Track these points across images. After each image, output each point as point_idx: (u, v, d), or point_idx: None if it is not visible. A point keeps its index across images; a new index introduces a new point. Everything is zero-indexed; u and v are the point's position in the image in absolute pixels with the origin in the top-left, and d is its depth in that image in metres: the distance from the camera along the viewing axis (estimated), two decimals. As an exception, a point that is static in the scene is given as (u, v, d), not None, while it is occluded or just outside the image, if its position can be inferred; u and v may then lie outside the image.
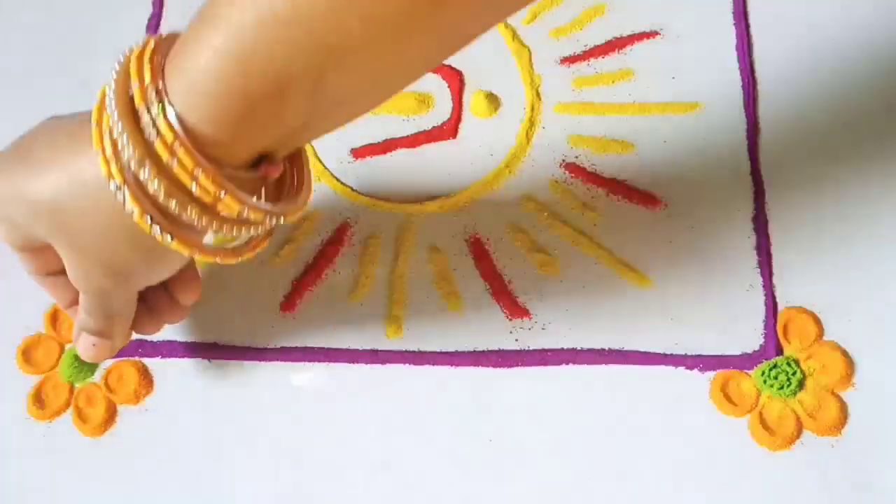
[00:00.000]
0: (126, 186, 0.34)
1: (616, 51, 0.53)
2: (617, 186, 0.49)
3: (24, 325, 0.47)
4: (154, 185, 0.34)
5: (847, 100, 0.51)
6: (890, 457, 0.43)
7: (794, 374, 0.44)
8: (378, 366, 0.46)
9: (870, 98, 0.51)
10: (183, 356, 0.46)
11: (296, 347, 0.46)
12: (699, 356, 0.45)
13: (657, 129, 0.51)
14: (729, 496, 0.42)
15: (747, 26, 0.53)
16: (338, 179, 0.50)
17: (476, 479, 0.43)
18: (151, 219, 0.35)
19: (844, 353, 0.45)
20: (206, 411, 0.45)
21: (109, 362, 0.46)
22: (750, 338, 0.45)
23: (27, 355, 0.46)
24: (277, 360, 0.46)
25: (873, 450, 0.43)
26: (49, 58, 0.54)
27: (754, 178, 0.49)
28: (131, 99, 0.34)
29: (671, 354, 0.45)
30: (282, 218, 0.37)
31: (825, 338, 0.45)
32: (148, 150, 0.34)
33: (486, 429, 0.44)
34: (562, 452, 0.43)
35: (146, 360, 0.46)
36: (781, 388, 0.44)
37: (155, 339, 0.46)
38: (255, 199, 0.36)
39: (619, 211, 0.49)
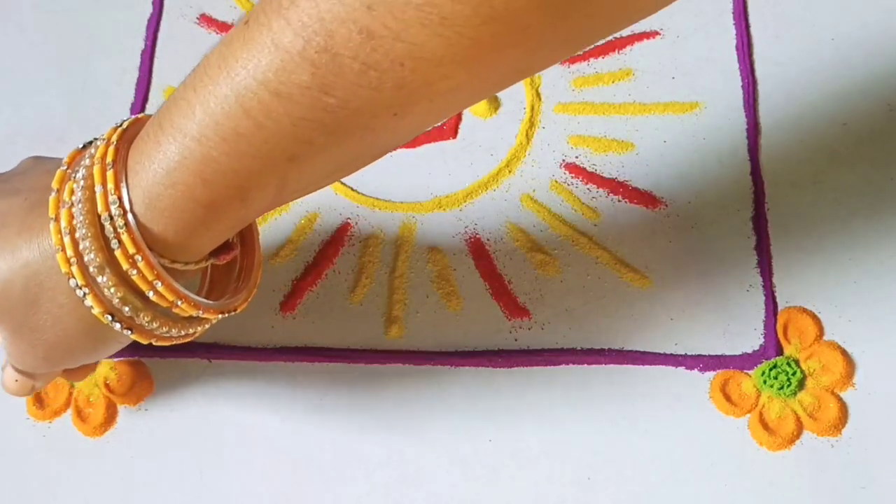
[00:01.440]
0: (87, 287, 0.35)
1: (616, 51, 0.53)
2: (617, 186, 0.49)
3: (24, 325, 0.47)
4: (110, 292, 0.35)
5: (847, 100, 0.51)
6: (890, 457, 0.43)
7: (794, 374, 0.44)
8: (378, 366, 0.46)
9: (870, 98, 0.51)
10: (183, 356, 0.46)
11: (296, 347, 0.46)
12: (699, 356, 0.45)
13: (657, 129, 0.51)
14: (729, 496, 0.42)
15: (747, 26, 0.53)
16: (338, 179, 0.50)
17: (476, 479, 0.43)
18: (112, 317, 0.35)
19: (844, 353, 0.45)
20: (206, 411, 0.45)
21: (110, 362, 0.46)
22: (750, 338, 0.45)
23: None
24: (277, 360, 0.46)
25: (873, 450, 0.43)
26: (49, 58, 0.54)
27: (754, 178, 0.49)
28: (94, 204, 0.34)
29: (671, 354, 0.45)
30: (235, 311, 0.38)
31: (825, 338, 0.45)
32: (109, 258, 0.34)
33: (486, 429, 0.44)
34: (562, 452, 0.43)
35: (146, 360, 0.46)
36: (781, 388, 0.44)
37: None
38: (207, 301, 0.37)
39: (619, 211, 0.49)
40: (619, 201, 0.49)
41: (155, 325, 0.36)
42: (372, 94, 0.31)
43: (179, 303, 0.35)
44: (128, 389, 0.45)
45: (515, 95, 0.52)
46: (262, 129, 0.32)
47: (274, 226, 0.49)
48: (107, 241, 0.34)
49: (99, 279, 0.34)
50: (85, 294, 0.35)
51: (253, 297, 0.40)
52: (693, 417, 0.44)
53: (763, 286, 0.46)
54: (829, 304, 0.46)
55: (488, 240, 0.48)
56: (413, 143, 0.51)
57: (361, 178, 0.50)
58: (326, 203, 0.49)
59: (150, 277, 0.34)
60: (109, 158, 0.34)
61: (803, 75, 0.51)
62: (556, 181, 0.50)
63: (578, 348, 0.45)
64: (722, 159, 0.50)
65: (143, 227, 0.34)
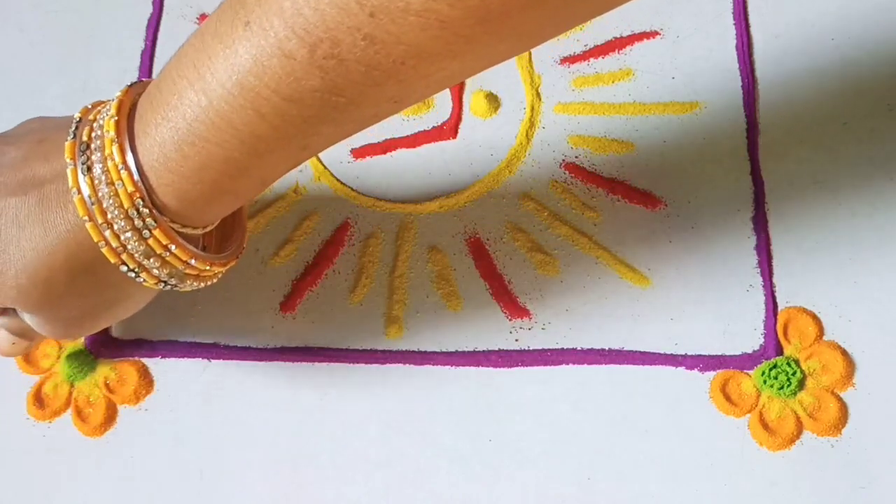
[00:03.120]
0: (139, 268, 0.37)
1: (616, 51, 0.53)
2: (617, 186, 0.49)
3: (24, 325, 0.47)
4: (157, 272, 0.38)
5: (847, 100, 0.51)
6: (890, 457, 0.43)
7: (794, 374, 0.44)
8: (378, 366, 0.46)
9: (870, 98, 0.51)
10: (183, 356, 0.46)
11: (296, 347, 0.46)
12: (699, 356, 0.45)
13: (657, 129, 0.51)
14: (729, 496, 0.42)
15: (747, 26, 0.53)
16: (338, 179, 0.50)
17: (476, 479, 0.43)
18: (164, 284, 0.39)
19: (844, 353, 0.45)
20: (206, 411, 0.45)
21: (110, 362, 0.46)
22: (750, 338, 0.45)
23: (27, 355, 0.46)
24: (277, 360, 0.46)
25: (873, 450, 0.43)
26: (49, 58, 0.54)
27: (754, 178, 0.49)
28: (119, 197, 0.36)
29: (671, 354, 0.45)
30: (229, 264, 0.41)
31: (825, 338, 0.45)
32: (148, 248, 0.37)
33: (486, 429, 0.44)
34: (562, 452, 0.43)
35: (146, 360, 0.46)
36: (781, 388, 0.44)
37: (155, 339, 0.46)
38: (216, 265, 0.39)
39: (619, 211, 0.49)
40: (618, 201, 0.49)
41: (188, 283, 0.39)
42: (375, 90, 0.33)
43: (192, 261, 0.38)
44: (128, 389, 0.45)
45: (515, 95, 0.52)
46: (277, 129, 0.34)
47: (274, 226, 0.49)
48: (140, 233, 0.37)
49: (146, 264, 0.37)
50: (142, 278, 0.38)
51: (243, 252, 0.42)
52: (693, 417, 0.44)
53: (763, 286, 0.46)
54: (829, 304, 0.46)
55: (488, 240, 0.48)
56: (413, 142, 0.51)
57: (361, 178, 0.50)
58: (326, 203, 0.49)
59: (184, 257, 0.37)
60: (118, 158, 0.36)
61: (803, 75, 0.51)
62: (556, 181, 0.50)
63: (578, 348, 0.45)
64: (722, 159, 0.50)
65: (165, 208, 0.36)
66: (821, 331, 0.45)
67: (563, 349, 0.45)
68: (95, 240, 0.36)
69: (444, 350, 0.46)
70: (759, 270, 0.47)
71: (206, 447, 0.44)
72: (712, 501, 0.42)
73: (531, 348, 0.46)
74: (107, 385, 0.45)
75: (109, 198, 0.36)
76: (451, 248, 0.48)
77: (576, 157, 0.50)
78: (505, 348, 0.46)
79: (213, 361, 0.46)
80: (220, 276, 0.41)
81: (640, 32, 0.53)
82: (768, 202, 0.48)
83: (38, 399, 0.45)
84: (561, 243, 0.48)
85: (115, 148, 0.35)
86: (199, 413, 0.45)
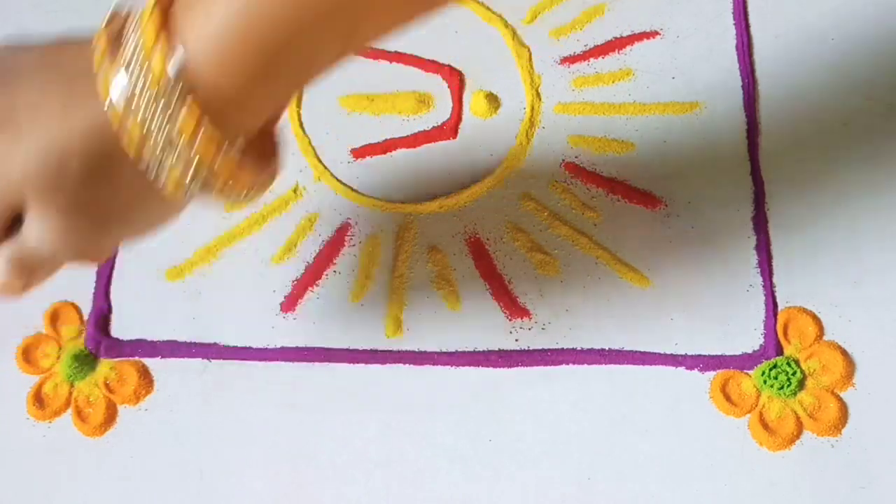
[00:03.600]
0: (159, 165, 0.35)
1: (616, 51, 0.53)
2: (617, 186, 0.49)
3: (23, 325, 0.47)
4: (180, 166, 0.34)
5: (847, 100, 0.51)
6: (890, 457, 0.43)
7: (794, 374, 0.44)
8: (378, 366, 0.46)
9: (870, 98, 0.51)
10: (183, 356, 0.46)
11: (296, 347, 0.46)
12: (699, 356, 0.45)
13: (657, 129, 0.51)
14: (729, 496, 0.42)
15: (747, 26, 0.53)
16: (338, 179, 0.50)
17: (476, 479, 0.43)
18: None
19: (844, 353, 0.45)
20: (206, 411, 0.45)
21: (110, 362, 0.46)
22: (750, 338, 0.45)
23: (27, 355, 0.46)
24: (277, 360, 0.46)
25: (873, 450, 0.43)
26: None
27: (754, 178, 0.49)
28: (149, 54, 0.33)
29: (671, 354, 0.45)
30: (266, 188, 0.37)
31: (825, 338, 0.45)
32: (173, 130, 0.34)
33: (486, 429, 0.44)
34: (562, 452, 0.43)
35: (146, 360, 0.46)
36: (781, 388, 0.44)
37: (155, 340, 0.46)
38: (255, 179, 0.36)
39: (619, 211, 0.49)
40: (618, 201, 0.49)
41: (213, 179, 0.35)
42: None
43: (221, 154, 0.34)
44: (128, 389, 0.45)
45: (515, 95, 0.52)
46: None
47: (274, 226, 0.49)
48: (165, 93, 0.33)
49: (153, 126, 0.34)
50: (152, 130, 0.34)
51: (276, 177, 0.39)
52: (693, 417, 0.44)
53: (763, 286, 0.46)
54: (829, 304, 0.46)
55: (488, 240, 0.48)
56: (413, 142, 0.51)
57: (361, 178, 0.50)
58: (326, 203, 0.49)
59: (196, 115, 0.33)
60: (157, 18, 0.33)
61: (803, 75, 0.51)
62: (556, 181, 0.50)
63: (578, 348, 0.45)
64: (722, 159, 0.50)
65: (200, 78, 0.33)
66: (821, 331, 0.45)
67: (563, 349, 0.45)
68: (115, 125, 0.34)
69: (444, 350, 0.46)
70: (759, 270, 0.47)
71: (206, 447, 0.44)
72: (712, 501, 0.42)
73: (531, 348, 0.46)
74: (107, 385, 0.45)
75: (140, 69, 0.33)
76: (451, 248, 0.48)
77: (576, 157, 0.50)
78: (505, 348, 0.46)
79: (213, 361, 0.46)
80: (248, 195, 0.37)
81: (640, 32, 0.53)
82: (768, 202, 0.48)
83: (38, 399, 0.45)
84: (561, 243, 0.48)
85: (153, 18, 0.33)
86: (199, 413, 0.45)
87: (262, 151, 0.37)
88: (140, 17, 0.34)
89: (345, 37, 0.34)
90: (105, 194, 0.36)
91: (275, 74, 0.34)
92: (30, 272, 0.37)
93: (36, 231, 0.36)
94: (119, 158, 0.35)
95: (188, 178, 0.35)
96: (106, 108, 0.34)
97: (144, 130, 0.34)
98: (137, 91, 0.33)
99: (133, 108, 0.34)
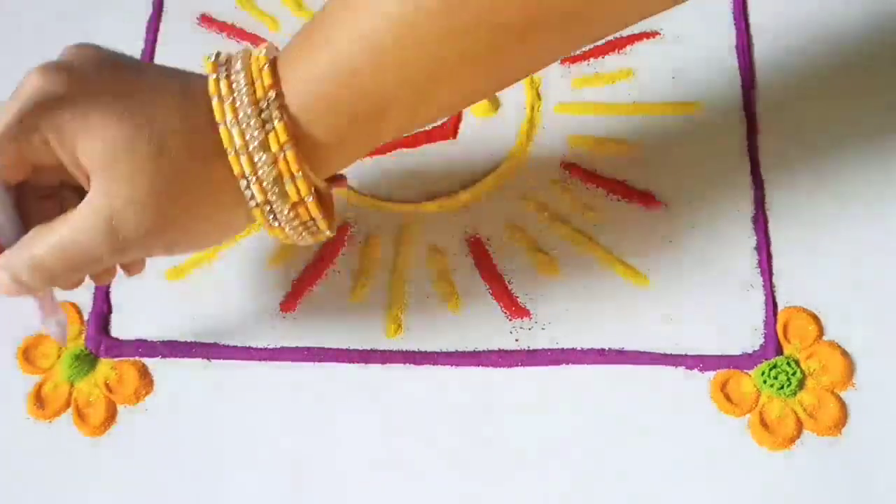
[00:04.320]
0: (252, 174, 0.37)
1: (616, 51, 0.53)
2: (617, 186, 0.49)
3: (23, 325, 0.47)
4: (265, 170, 0.37)
5: (847, 100, 0.51)
6: (890, 457, 0.43)
7: (794, 374, 0.44)
8: (378, 366, 0.46)
9: (870, 98, 0.51)
10: (183, 356, 0.46)
11: (296, 347, 0.46)
12: (699, 356, 0.45)
13: (657, 129, 0.51)
14: (729, 496, 0.42)
15: (747, 26, 0.53)
16: (338, 179, 0.50)
17: (476, 479, 0.43)
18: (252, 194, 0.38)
19: (844, 353, 0.45)
20: (206, 411, 0.45)
21: (110, 362, 0.46)
22: (750, 338, 0.45)
23: (27, 355, 0.46)
24: (277, 360, 0.46)
25: (873, 450, 0.43)
26: (49, 58, 0.54)
27: (754, 178, 0.49)
28: (255, 93, 0.37)
29: (671, 354, 0.45)
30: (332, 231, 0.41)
31: (825, 338, 0.45)
32: (265, 140, 0.37)
33: (486, 429, 0.44)
34: (562, 452, 0.43)
35: (146, 360, 0.46)
36: (781, 388, 0.44)
37: (155, 340, 0.46)
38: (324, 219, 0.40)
39: (619, 211, 0.49)
40: (618, 201, 0.49)
41: (288, 214, 0.38)
42: (493, 15, 0.35)
43: (309, 199, 0.38)
44: (128, 389, 0.45)
45: (515, 95, 0.52)
46: (402, 48, 0.35)
47: (274, 226, 0.49)
48: (264, 124, 0.37)
49: (256, 156, 0.37)
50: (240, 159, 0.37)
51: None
52: (693, 417, 0.44)
53: (763, 286, 0.46)
54: (829, 304, 0.46)
55: (488, 240, 0.48)
56: (413, 142, 0.51)
57: (361, 177, 0.50)
58: (326, 203, 0.49)
59: (294, 169, 0.37)
60: (262, 62, 0.37)
61: (803, 75, 0.51)
62: (556, 181, 0.50)
63: (578, 348, 0.45)
64: (722, 159, 0.50)
65: (290, 122, 0.37)
66: (821, 331, 0.45)
67: (563, 349, 0.45)
68: (217, 118, 0.37)
69: (444, 350, 0.46)
70: (759, 270, 0.47)
71: (205, 447, 0.44)
72: (712, 501, 0.42)
73: (531, 348, 0.46)
74: (107, 385, 0.45)
75: (244, 91, 0.37)
76: (451, 248, 0.48)
77: (576, 157, 0.50)
78: (505, 348, 0.46)
79: (213, 361, 0.46)
80: (310, 232, 0.40)
81: (640, 32, 0.53)
82: (768, 202, 0.48)
83: (38, 399, 0.45)
84: (561, 243, 0.48)
85: (260, 56, 0.37)
86: (199, 413, 0.45)
87: (324, 203, 0.40)
88: (251, 58, 0.37)
89: (411, 109, 0.38)
90: (188, 196, 0.37)
91: (354, 135, 0.38)
92: (72, 260, 0.38)
93: (101, 200, 0.37)
94: (211, 156, 0.37)
95: (271, 192, 0.37)
96: (213, 104, 0.37)
97: (243, 141, 0.37)
98: (239, 100, 0.37)
99: (233, 111, 0.37)
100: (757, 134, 0.50)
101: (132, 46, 0.54)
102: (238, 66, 0.37)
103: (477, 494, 0.43)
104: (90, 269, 0.39)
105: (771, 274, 0.47)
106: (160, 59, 0.54)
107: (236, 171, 0.37)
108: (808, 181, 0.49)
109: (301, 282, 0.48)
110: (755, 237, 0.48)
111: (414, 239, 0.49)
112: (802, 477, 0.42)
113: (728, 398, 0.44)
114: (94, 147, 0.36)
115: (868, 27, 0.52)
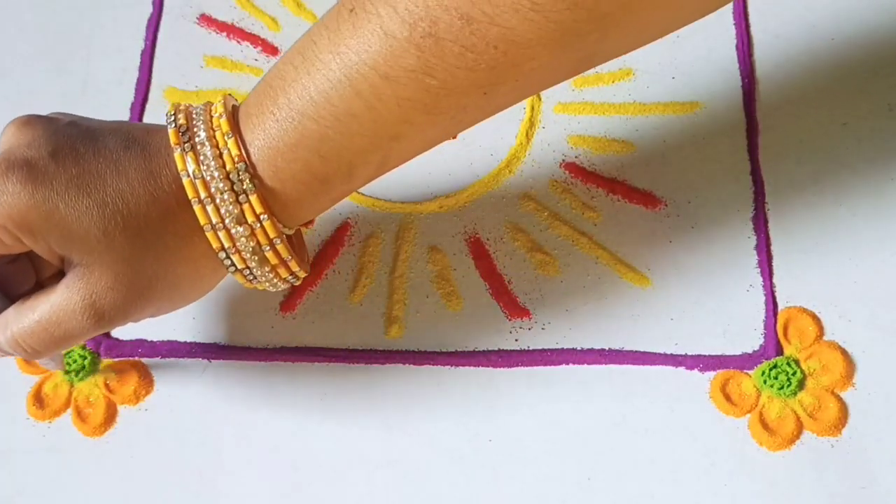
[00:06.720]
0: (228, 239, 0.38)
1: (616, 51, 0.53)
2: (617, 186, 0.49)
3: (24, 325, 0.47)
4: (242, 243, 0.38)
5: (847, 100, 0.51)
6: (890, 457, 0.43)
7: (794, 374, 0.44)
8: (378, 366, 0.46)
9: (870, 98, 0.51)
10: (183, 356, 0.46)
11: (296, 347, 0.46)
12: (699, 356, 0.45)
13: (657, 129, 0.51)
14: (729, 496, 0.42)
15: (747, 26, 0.53)
16: (338, 179, 0.50)
17: (476, 479, 0.43)
18: (230, 262, 0.39)
19: (844, 353, 0.45)
20: (206, 411, 0.45)
21: (110, 362, 0.46)
22: (750, 338, 0.45)
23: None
24: (277, 360, 0.46)
25: (873, 450, 0.43)
26: (49, 58, 0.54)
27: (754, 178, 0.49)
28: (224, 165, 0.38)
29: (671, 354, 0.45)
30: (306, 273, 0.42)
31: (825, 338, 0.45)
32: (241, 212, 0.38)
33: (486, 429, 0.44)
34: (562, 452, 0.43)
35: (146, 360, 0.46)
36: (781, 388, 0.44)
37: (155, 340, 0.46)
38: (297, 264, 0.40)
39: (619, 211, 0.49)
40: (618, 201, 0.49)
41: (268, 274, 0.40)
42: (468, 74, 0.35)
43: (290, 259, 0.40)
44: (128, 389, 0.45)
45: (515, 95, 0.52)
46: (372, 109, 0.36)
47: (274, 226, 0.49)
48: (237, 196, 0.37)
49: (233, 230, 0.38)
50: (233, 264, 0.39)
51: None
52: (693, 417, 0.44)
53: (763, 286, 0.46)
54: (829, 304, 0.46)
55: (488, 240, 0.48)
56: (413, 143, 0.51)
57: (361, 178, 0.50)
58: (326, 203, 0.49)
59: (272, 235, 0.38)
60: (225, 129, 0.37)
61: (803, 75, 0.51)
62: (556, 181, 0.50)
63: (578, 348, 0.45)
64: (722, 159, 0.50)
65: (263, 192, 0.38)
66: (821, 331, 0.45)
67: (563, 349, 0.45)
68: (190, 195, 0.37)
69: (444, 350, 0.46)
70: (759, 270, 0.47)
71: (205, 447, 0.44)
72: (712, 501, 0.42)
73: (531, 348, 0.46)
74: (107, 385, 0.45)
75: (213, 165, 0.37)
76: (451, 248, 0.48)
77: (576, 157, 0.50)
78: (505, 348, 0.46)
79: (213, 361, 0.46)
80: (288, 282, 0.41)
81: (640, 32, 0.53)
82: (768, 202, 0.48)
83: (38, 399, 0.45)
84: (561, 243, 0.48)
85: (222, 121, 0.37)
86: (198, 413, 0.45)
87: (296, 248, 0.42)
88: (213, 123, 0.38)
89: (378, 164, 0.39)
90: (169, 273, 0.38)
91: (326, 191, 0.39)
92: (53, 338, 0.39)
93: (80, 283, 0.37)
94: (187, 233, 0.38)
95: (249, 254, 0.38)
96: (184, 181, 0.37)
97: (224, 230, 0.38)
98: (209, 175, 0.37)
99: (205, 188, 0.37)
100: (757, 134, 0.50)
101: (132, 46, 0.54)
102: (202, 134, 0.38)
103: (477, 494, 0.43)
104: (73, 344, 0.40)
105: (771, 274, 0.47)
106: (160, 58, 0.54)
107: (215, 245, 0.38)
108: (808, 181, 0.49)
109: (301, 282, 0.48)
110: (755, 237, 0.48)
111: (414, 239, 0.49)
112: (802, 477, 0.42)
113: (728, 398, 0.44)
114: (70, 241, 0.37)
115: (868, 27, 0.52)
